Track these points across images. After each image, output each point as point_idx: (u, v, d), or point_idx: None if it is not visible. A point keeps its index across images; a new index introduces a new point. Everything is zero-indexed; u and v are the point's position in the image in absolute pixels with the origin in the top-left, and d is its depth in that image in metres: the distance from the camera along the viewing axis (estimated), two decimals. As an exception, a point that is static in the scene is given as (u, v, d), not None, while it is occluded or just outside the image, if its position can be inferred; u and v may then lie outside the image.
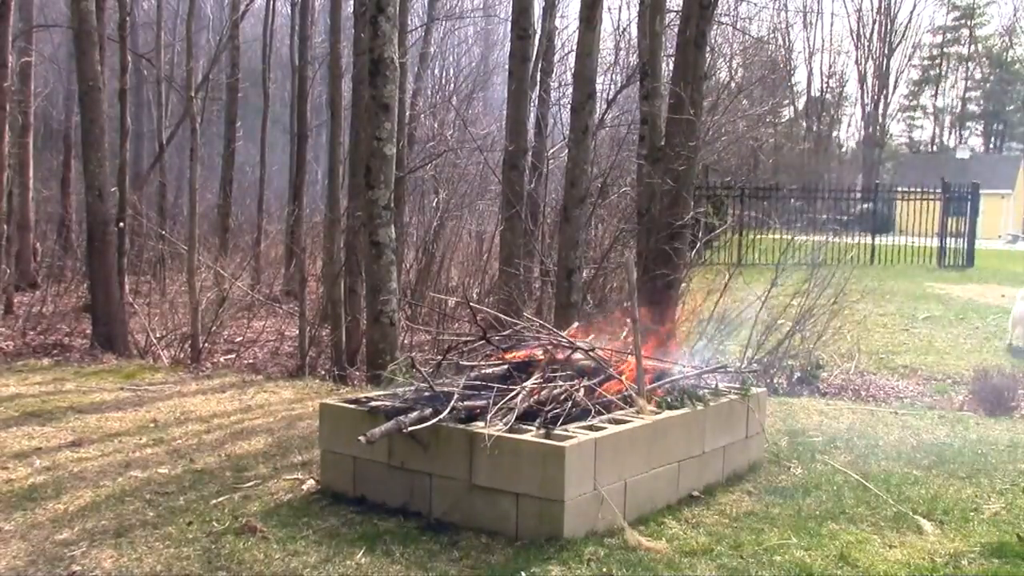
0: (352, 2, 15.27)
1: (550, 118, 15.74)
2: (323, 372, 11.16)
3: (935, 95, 67.03)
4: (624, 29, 19.69)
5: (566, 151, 11.80)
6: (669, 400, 5.59)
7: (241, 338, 13.76)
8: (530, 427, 4.88)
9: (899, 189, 29.61)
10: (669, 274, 9.13)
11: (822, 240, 14.31)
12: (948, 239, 25.32)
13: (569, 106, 11.32)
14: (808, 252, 11.23)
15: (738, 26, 20.40)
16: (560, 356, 5.63)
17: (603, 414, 5.19)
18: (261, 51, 24.13)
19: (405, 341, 11.90)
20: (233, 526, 4.84)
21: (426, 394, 5.17)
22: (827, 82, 59.29)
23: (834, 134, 60.80)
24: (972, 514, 5.25)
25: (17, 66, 16.36)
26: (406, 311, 13.44)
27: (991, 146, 66.84)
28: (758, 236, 18.84)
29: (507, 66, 12.81)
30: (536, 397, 5.15)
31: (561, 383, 5.31)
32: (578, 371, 5.56)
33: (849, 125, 71.63)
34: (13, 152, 16.26)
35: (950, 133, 68.10)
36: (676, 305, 9.34)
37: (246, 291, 15.29)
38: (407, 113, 15.31)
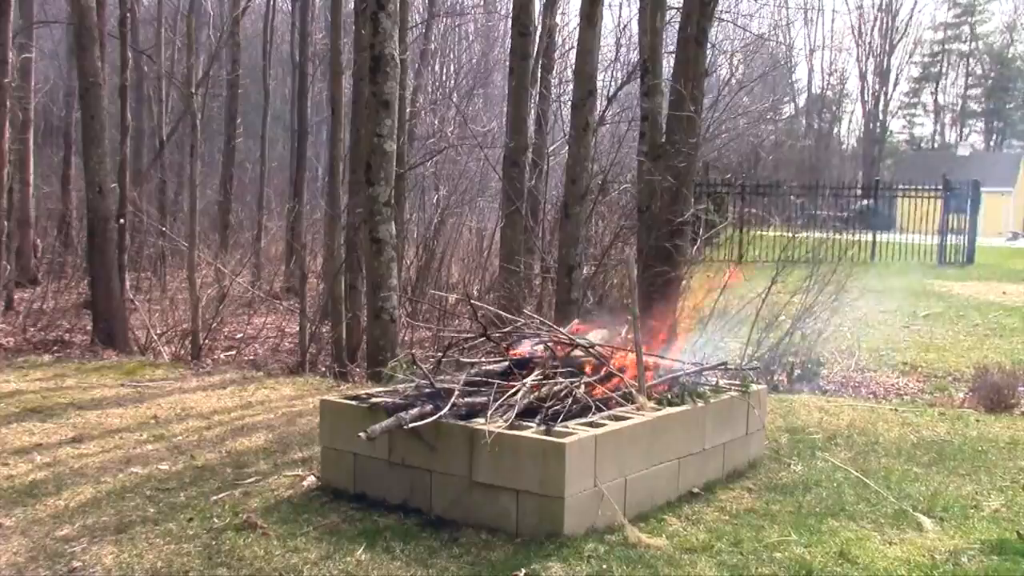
0: (352, -2, 15.25)
1: (551, 115, 15.70)
2: (323, 369, 11.17)
3: (936, 92, 67.05)
4: (625, 26, 19.64)
5: (567, 148, 11.80)
6: (669, 397, 5.58)
7: (242, 335, 13.79)
8: (531, 424, 4.87)
9: (900, 186, 29.53)
10: (669, 271, 9.13)
11: (822, 237, 14.29)
12: (949, 236, 25.33)
13: (570, 103, 11.32)
14: (808, 249, 11.21)
15: (739, 23, 20.40)
16: (560, 353, 5.63)
17: (603, 411, 5.19)
18: (262, 47, 24.15)
19: (406, 338, 11.93)
20: (233, 522, 4.84)
21: (426, 391, 5.16)
22: (828, 79, 59.48)
23: (834, 131, 60.89)
24: (972, 511, 5.25)
25: (17, 62, 16.34)
26: (407, 308, 13.46)
27: (992, 143, 66.85)
28: (758, 233, 18.84)
29: (507, 63, 12.82)
30: (537, 394, 5.14)
31: (562, 380, 5.31)
32: (579, 367, 5.56)
33: (850, 122, 71.77)
34: (13, 148, 16.26)
35: (951, 130, 68.16)
36: (676, 302, 9.33)
37: (246, 288, 15.31)
38: (407, 110, 15.28)
